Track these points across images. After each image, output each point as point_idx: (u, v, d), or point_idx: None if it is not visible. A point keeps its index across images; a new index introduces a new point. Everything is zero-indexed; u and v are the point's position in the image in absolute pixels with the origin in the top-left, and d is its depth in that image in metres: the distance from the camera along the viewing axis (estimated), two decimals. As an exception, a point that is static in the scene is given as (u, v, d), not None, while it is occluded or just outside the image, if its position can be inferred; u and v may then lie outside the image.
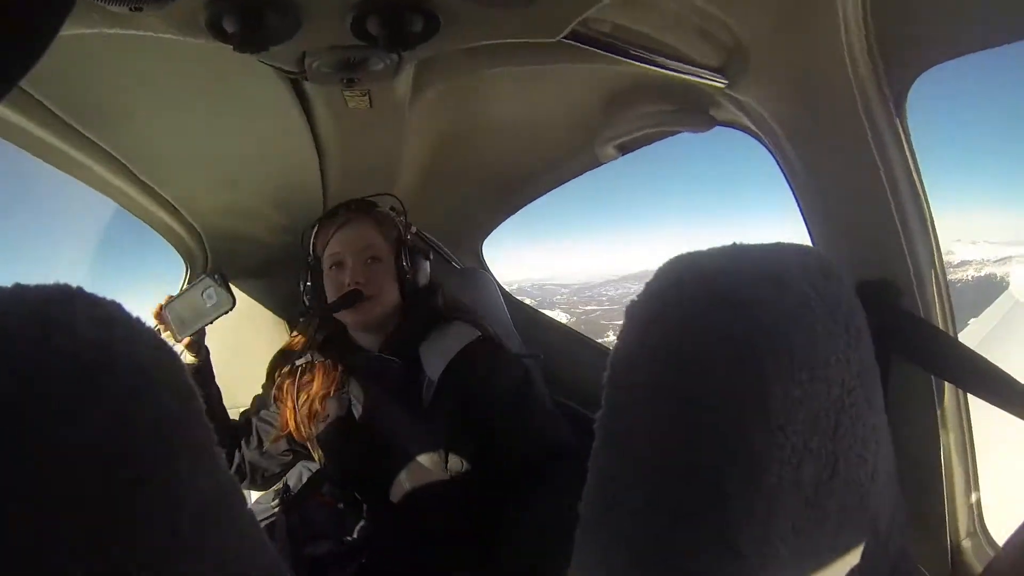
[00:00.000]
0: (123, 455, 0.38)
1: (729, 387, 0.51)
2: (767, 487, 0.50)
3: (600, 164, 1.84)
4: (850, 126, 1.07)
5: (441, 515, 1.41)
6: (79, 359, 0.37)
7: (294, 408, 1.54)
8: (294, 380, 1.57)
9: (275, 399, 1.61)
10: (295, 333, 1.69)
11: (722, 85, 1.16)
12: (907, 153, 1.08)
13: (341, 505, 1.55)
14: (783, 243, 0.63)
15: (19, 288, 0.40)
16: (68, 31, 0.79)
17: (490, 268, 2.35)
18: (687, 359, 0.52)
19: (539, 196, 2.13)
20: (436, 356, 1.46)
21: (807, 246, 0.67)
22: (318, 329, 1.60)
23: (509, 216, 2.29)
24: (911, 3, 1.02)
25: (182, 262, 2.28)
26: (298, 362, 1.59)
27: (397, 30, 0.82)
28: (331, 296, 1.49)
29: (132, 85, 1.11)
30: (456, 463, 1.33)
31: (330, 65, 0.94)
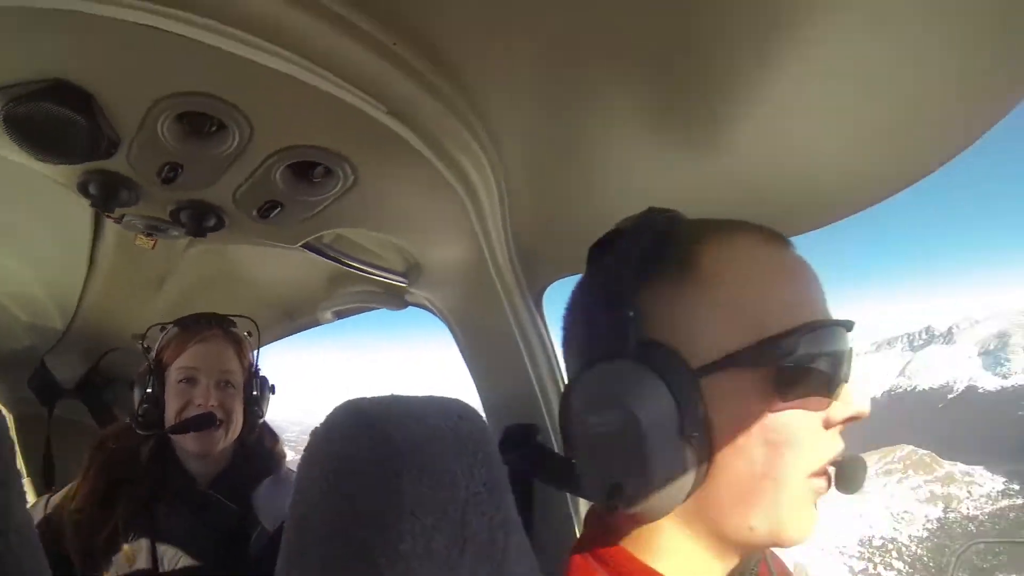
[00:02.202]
0: None
1: (376, 490, 0.69)
2: (403, 552, 0.67)
3: (319, 324, 2.00)
4: (499, 318, 1.33)
5: None
6: None
7: (89, 533, 1.26)
8: (101, 493, 1.31)
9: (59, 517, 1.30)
10: (108, 434, 1.44)
11: (404, 285, 1.50)
12: (544, 336, 1.35)
13: None
14: (435, 396, 0.82)
15: None
16: None
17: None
18: (348, 478, 0.70)
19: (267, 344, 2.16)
20: (274, 506, 1.33)
21: (453, 398, 0.84)
22: (145, 440, 1.38)
23: None
24: (537, 236, 1.30)
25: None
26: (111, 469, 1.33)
27: (198, 223, 1.10)
28: (172, 412, 1.35)
29: None
30: None
31: (142, 226, 1.14)
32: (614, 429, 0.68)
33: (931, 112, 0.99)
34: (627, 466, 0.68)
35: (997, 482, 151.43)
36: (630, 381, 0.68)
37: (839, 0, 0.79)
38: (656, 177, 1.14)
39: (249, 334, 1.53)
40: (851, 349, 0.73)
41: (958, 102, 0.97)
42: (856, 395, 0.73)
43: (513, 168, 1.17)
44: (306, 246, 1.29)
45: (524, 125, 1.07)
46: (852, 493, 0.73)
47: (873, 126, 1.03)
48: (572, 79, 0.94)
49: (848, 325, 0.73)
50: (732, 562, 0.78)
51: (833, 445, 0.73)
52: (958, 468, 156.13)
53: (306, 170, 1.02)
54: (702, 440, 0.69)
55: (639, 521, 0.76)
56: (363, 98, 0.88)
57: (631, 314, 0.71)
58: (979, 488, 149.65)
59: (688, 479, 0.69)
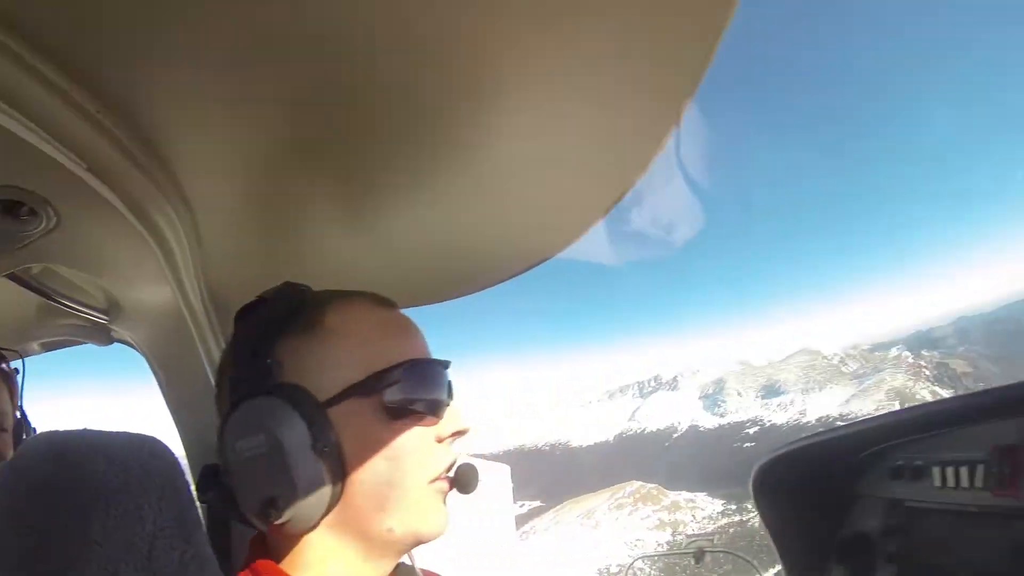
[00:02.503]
0: None
1: (65, 520, 0.71)
2: None
3: (27, 356, 1.82)
4: (194, 361, 1.41)
5: None
6: None
7: None
8: None
9: None
10: None
11: (105, 322, 1.53)
12: None
13: None
14: (130, 432, 0.85)
15: None
16: None
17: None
18: (37, 507, 0.71)
19: None
20: None
21: (148, 435, 0.89)
22: None
23: None
24: (235, 291, 1.39)
25: None
26: None
27: None
28: None
29: None
30: None
31: None
32: (262, 451, 0.79)
33: (554, 201, 1.28)
34: (276, 480, 0.78)
35: (717, 504, 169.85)
36: (271, 412, 0.81)
37: (484, 105, 0.98)
38: (333, 251, 1.40)
39: (17, 371, 1.39)
40: (450, 381, 0.91)
41: (573, 195, 1.24)
42: (458, 415, 0.91)
43: (210, 234, 1.35)
44: (12, 277, 1.35)
45: (218, 200, 1.27)
46: (468, 493, 0.91)
47: (504, 215, 1.30)
48: (262, 168, 1.13)
49: (445, 364, 0.92)
50: (386, 564, 0.91)
51: (447, 455, 0.90)
52: (683, 496, 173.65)
53: (15, 207, 1.12)
54: (335, 458, 0.82)
55: (292, 536, 0.86)
56: (66, 154, 0.99)
57: (269, 362, 0.85)
58: (702, 511, 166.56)
59: (327, 490, 0.81)
